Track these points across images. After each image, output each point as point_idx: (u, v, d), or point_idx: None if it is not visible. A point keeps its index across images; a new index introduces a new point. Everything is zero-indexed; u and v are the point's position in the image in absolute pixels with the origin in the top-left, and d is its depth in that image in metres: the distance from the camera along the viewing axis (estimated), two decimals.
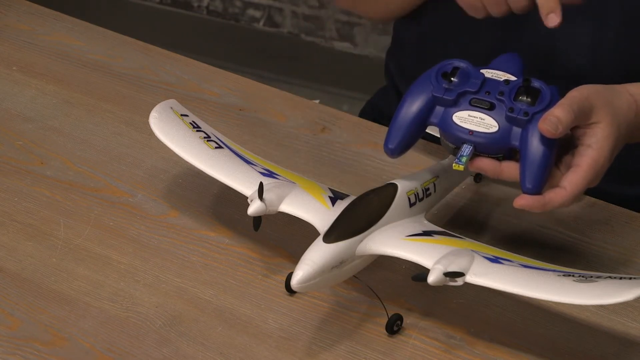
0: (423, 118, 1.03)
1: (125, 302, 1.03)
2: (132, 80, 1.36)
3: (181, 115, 1.14)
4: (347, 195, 1.06)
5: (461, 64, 1.03)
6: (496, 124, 1.00)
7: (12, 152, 1.23)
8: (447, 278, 0.94)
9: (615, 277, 0.95)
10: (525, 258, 1.00)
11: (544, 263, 0.99)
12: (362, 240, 0.99)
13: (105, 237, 1.11)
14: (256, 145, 1.25)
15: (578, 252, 1.12)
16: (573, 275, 0.95)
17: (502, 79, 1.02)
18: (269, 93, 1.35)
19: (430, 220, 1.05)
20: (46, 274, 1.06)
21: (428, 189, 1.06)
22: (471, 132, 1.01)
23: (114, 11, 3.13)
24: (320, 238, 0.98)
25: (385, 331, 1.00)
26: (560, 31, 1.04)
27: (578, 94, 0.99)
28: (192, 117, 1.15)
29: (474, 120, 1.01)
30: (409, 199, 1.03)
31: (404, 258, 0.98)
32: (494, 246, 1.01)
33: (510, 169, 1.01)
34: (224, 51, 2.98)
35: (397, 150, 1.03)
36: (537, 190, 0.98)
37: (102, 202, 1.16)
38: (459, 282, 0.95)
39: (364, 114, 1.45)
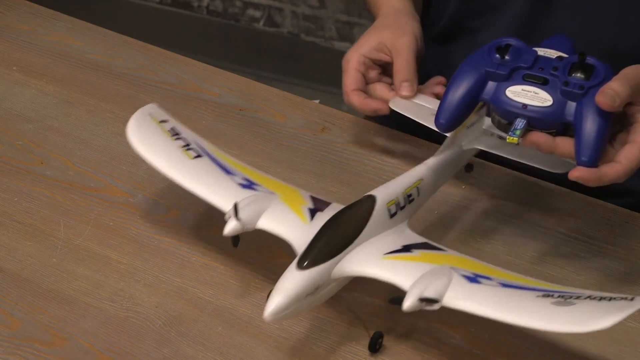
0: (475, 94, 1.02)
1: (125, 302, 1.03)
2: (132, 80, 1.36)
3: (160, 121, 1.11)
4: (329, 204, 1.03)
5: (513, 41, 1.03)
6: (550, 98, 0.99)
7: (12, 152, 1.23)
8: (423, 303, 0.91)
9: (595, 298, 0.90)
10: (507, 273, 0.96)
11: (526, 279, 0.95)
12: (338, 263, 0.95)
13: (105, 237, 1.11)
14: (256, 145, 1.25)
15: (578, 252, 1.12)
16: (552, 296, 0.91)
17: (554, 57, 1.02)
18: (268, 93, 1.35)
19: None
20: (46, 274, 1.06)
21: (411, 195, 1.02)
22: (525, 105, 1.00)
23: (114, 11, 3.13)
24: (293, 265, 0.93)
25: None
26: (581, 28, 1.04)
27: (633, 70, 0.99)
28: (172, 123, 1.11)
29: (528, 95, 1.00)
30: (389, 210, 1.00)
31: (381, 279, 0.94)
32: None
33: (564, 144, 0.99)
34: (224, 51, 2.98)
35: (448, 125, 1.03)
36: (593, 163, 0.97)
37: (102, 202, 1.16)
38: (435, 307, 0.91)
39: None
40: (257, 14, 3.04)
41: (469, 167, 1.16)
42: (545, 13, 1.24)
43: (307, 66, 2.91)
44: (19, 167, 1.20)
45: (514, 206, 1.17)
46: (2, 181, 1.18)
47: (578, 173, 0.98)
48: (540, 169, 1.20)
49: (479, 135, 1.11)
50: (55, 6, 1.50)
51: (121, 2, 3.18)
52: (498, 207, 1.16)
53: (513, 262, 1.10)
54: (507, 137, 0.99)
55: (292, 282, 0.92)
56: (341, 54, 1.28)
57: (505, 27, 1.26)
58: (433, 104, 1.19)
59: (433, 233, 1.13)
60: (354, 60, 1.22)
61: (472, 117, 1.08)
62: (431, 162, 1.06)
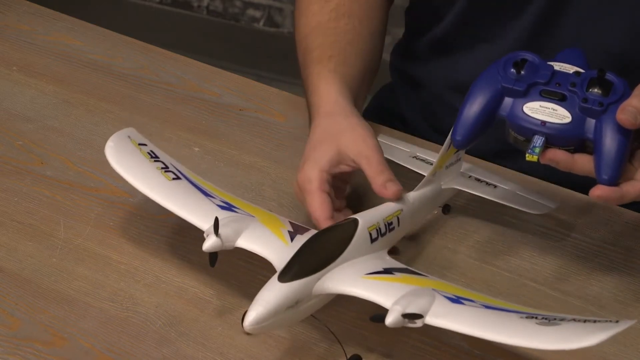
0: (491, 110, 1.00)
1: (125, 302, 1.03)
2: (132, 80, 1.36)
3: (139, 144, 1.11)
4: (308, 230, 1.02)
5: (529, 56, 1.01)
6: (569, 115, 0.98)
7: (12, 152, 1.23)
8: (406, 319, 0.90)
9: (579, 320, 0.89)
10: (489, 298, 0.95)
11: (508, 303, 0.94)
12: (319, 279, 0.95)
13: (105, 237, 1.11)
14: (256, 145, 1.25)
15: (578, 252, 1.12)
16: (536, 318, 0.90)
17: (571, 72, 1.01)
18: (268, 93, 1.35)
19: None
20: (46, 274, 1.06)
21: (391, 223, 1.02)
22: (543, 122, 0.98)
23: (114, 11, 3.13)
24: (275, 277, 0.93)
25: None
26: (592, 37, 1.03)
27: None
28: (151, 147, 1.11)
29: (546, 111, 0.99)
30: (370, 234, 1.00)
31: (362, 297, 0.94)
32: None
33: (583, 161, 0.98)
34: (224, 51, 2.98)
35: (465, 142, 1.01)
36: (613, 181, 0.96)
37: (102, 202, 1.16)
38: (418, 323, 0.91)
39: (367, 113, 1.44)
40: (257, 14, 3.04)
41: (446, 209, 1.16)
42: (557, 21, 1.22)
43: None
44: (19, 167, 1.20)
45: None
46: (2, 181, 1.18)
47: (600, 192, 0.96)
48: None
49: (457, 176, 1.13)
50: (55, 6, 1.50)
51: (121, 2, 3.18)
52: (498, 207, 1.16)
53: (513, 262, 1.10)
54: (527, 155, 0.98)
55: (274, 293, 0.92)
56: None
57: (513, 38, 1.24)
58: None
59: (432, 234, 1.13)
60: (316, 180, 1.06)
61: (450, 158, 1.09)
62: (411, 195, 1.07)
